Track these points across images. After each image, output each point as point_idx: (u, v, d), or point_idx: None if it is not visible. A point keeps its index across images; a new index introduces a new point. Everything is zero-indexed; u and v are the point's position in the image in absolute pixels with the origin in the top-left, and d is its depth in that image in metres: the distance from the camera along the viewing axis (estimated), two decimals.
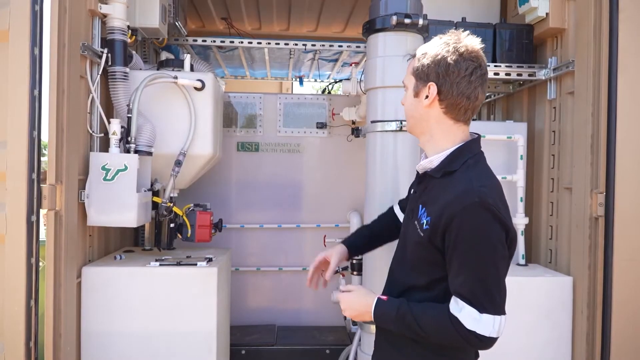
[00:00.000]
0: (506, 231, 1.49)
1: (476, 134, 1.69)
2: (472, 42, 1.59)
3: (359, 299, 1.71)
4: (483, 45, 1.62)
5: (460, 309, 1.48)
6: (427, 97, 1.62)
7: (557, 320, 2.91)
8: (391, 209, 2.19)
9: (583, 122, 2.88)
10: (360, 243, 2.18)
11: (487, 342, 1.49)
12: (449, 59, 1.56)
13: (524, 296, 2.91)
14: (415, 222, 1.63)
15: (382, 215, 2.24)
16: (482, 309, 1.45)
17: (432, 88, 1.60)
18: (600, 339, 2.72)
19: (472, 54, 1.57)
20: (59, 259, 2.48)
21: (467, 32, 1.63)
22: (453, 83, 1.57)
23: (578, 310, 2.88)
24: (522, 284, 2.93)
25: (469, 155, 1.60)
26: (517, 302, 2.82)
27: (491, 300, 1.47)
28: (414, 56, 1.69)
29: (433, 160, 1.63)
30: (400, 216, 2.10)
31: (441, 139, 1.64)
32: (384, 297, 1.66)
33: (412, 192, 1.82)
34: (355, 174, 4.12)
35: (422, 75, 1.62)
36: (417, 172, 1.76)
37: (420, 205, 1.63)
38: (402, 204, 2.12)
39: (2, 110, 2.39)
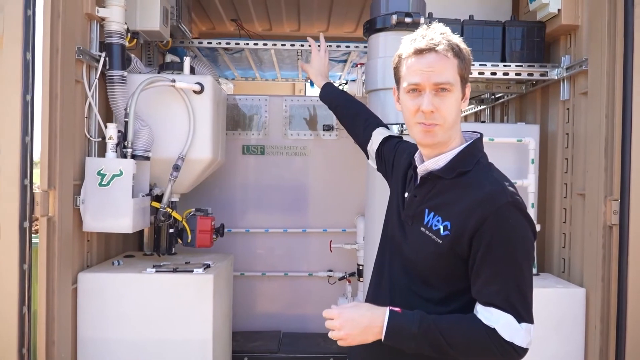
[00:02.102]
0: (534, 233, 1.40)
1: (477, 132, 1.55)
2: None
3: (361, 313, 1.42)
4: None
5: (496, 319, 1.34)
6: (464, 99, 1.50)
7: (568, 334, 2.77)
8: (372, 125, 2.12)
9: (596, 124, 2.74)
10: (334, 93, 2.43)
11: (523, 353, 1.37)
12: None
13: (535, 307, 2.77)
14: (424, 230, 1.47)
15: (367, 116, 2.21)
16: (520, 319, 1.35)
17: (469, 89, 1.51)
18: (615, 355, 2.57)
19: None
20: (51, 265, 2.46)
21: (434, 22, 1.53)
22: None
23: (591, 324, 2.73)
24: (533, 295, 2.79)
25: (479, 154, 1.49)
26: None
27: (527, 309, 1.37)
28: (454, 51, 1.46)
29: (439, 160, 1.48)
30: (373, 144, 2.02)
31: (455, 140, 1.50)
32: (397, 309, 1.42)
33: (406, 196, 1.59)
34: (362, 178, 3.99)
35: (466, 76, 1.48)
36: (410, 176, 1.61)
37: (427, 210, 1.48)
38: (384, 143, 1.97)
39: None
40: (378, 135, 2.03)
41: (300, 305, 4.16)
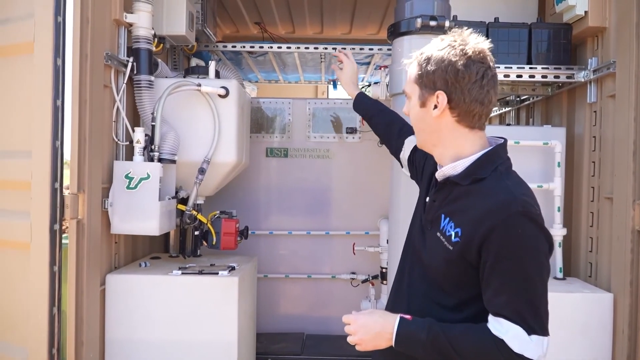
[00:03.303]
0: (550, 244, 1.38)
1: (502, 138, 1.53)
2: (479, 42, 1.45)
3: (373, 319, 1.48)
4: (491, 45, 1.47)
5: (505, 330, 1.33)
6: (435, 107, 1.47)
7: (595, 339, 2.73)
8: (406, 133, 2.11)
9: (625, 127, 2.69)
10: (368, 103, 2.43)
11: None
12: (458, 63, 1.41)
13: (561, 312, 2.74)
14: (439, 235, 1.47)
15: (400, 124, 2.19)
16: (530, 331, 1.32)
17: (442, 97, 1.44)
18: None
19: (481, 55, 1.43)
20: (81, 266, 2.50)
21: (470, 30, 1.48)
22: (464, 89, 1.42)
23: (619, 330, 2.69)
24: (558, 299, 2.76)
25: (499, 161, 1.47)
26: (553, 317, 2.64)
27: (539, 321, 1.34)
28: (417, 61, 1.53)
29: (457, 166, 1.47)
30: (405, 152, 2.04)
31: (460, 147, 1.48)
32: (407, 316, 1.45)
33: (427, 200, 1.61)
34: (386, 181, 3.97)
35: (428, 83, 1.46)
36: (433, 181, 1.62)
37: (443, 216, 1.48)
38: (417, 156, 1.96)
39: (27, 121, 2.44)
40: (409, 143, 2.03)
41: (323, 307, 4.18)
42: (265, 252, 4.12)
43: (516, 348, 1.32)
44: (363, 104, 2.45)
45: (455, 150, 1.49)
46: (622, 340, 2.65)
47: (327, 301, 4.17)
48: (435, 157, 1.57)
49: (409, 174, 2.03)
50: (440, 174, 1.52)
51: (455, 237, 1.41)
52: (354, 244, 3.87)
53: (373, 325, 1.46)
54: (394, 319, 1.45)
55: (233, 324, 2.77)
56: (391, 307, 1.63)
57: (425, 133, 1.54)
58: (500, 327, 1.35)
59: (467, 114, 1.46)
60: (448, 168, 1.49)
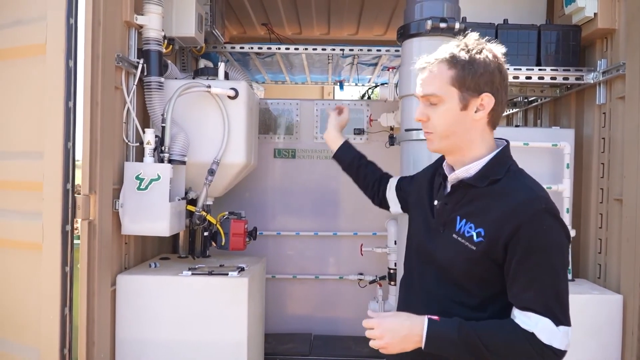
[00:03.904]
0: (568, 239, 1.44)
1: (503, 139, 1.59)
2: (496, 46, 1.53)
3: (400, 321, 1.46)
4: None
5: (534, 323, 1.37)
6: (477, 110, 1.49)
7: (604, 341, 2.74)
8: (388, 177, 2.13)
9: (635, 128, 2.70)
10: (350, 156, 2.23)
11: (562, 355, 1.40)
12: (502, 67, 1.50)
13: (570, 313, 2.74)
14: (456, 236, 1.50)
15: (381, 170, 2.18)
16: (557, 322, 1.37)
17: (488, 99, 1.47)
18: None
19: (504, 59, 1.52)
20: (92, 267, 2.52)
21: (477, 33, 1.55)
22: (504, 92, 1.51)
23: (628, 331, 2.69)
24: None
25: (509, 161, 1.52)
26: None
27: (565, 312, 1.40)
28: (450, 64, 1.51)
29: (470, 169, 1.50)
30: (390, 190, 2.03)
31: (479, 149, 1.52)
32: (435, 317, 1.45)
33: (436, 204, 1.62)
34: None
35: (473, 86, 1.46)
36: (437, 185, 1.64)
37: (459, 218, 1.51)
38: (401, 183, 2.01)
39: (39, 122, 2.45)
40: (392, 182, 2.09)
41: (330, 308, 4.18)
42: (273, 252, 4.13)
43: (545, 340, 1.36)
44: (350, 152, 2.25)
45: (475, 152, 1.52)
46: (632, 341, 2.65)
47: (335, 302, 4.18)
48: (451, 161, 1.58)
49: (400, 209, 2.02)
50: (453, 177, 1.55)
51: (477, 237, 1.44)
52: (362, 244, 3.87)
53: (400, 328, 1.44)
54: (422, 321, 1.44)
55: (242, 325, 2.78)
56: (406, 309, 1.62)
57: (457, 136, 1.52)
58: (528, 320, 1.38)
59: (498, 116, 1.54)
60: (461, 171, 1.52)
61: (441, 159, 1.71)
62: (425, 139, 2.67)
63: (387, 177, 2.14)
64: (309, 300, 4.20)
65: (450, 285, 1.53)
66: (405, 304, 1.67)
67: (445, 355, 1.45)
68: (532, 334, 1.37)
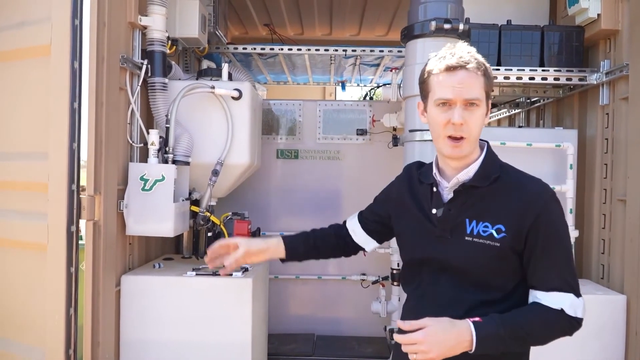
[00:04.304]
0: None
1: (482, 140, 1.63)
2: None
3: (445, 332, 1.43)
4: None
5: (562, 301, 1.47)
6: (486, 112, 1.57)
7: (608, 341, 2.75)
8: (343, 225, 2.00)
9: (638, 129, 2.71)
10: (301, 247, 1.98)
11: (582, 322, 1.51)
12: None
13: None
14: (469, 238, 1.52)
15: (332, 226, 2.04)
16: (577, 294, 1.48)
17: (489, 103, 1.58)
18: None
19: None
20: (97, 268, 2.52)
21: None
22: None
23: (632, 331, 2.70)
24: None
25: (496, 157, 1.60)
26: None
27: (578, 285, 1.51)
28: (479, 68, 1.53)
29: (469, 171, 1.55)
30: (357, 234, 1.92)
31: (476, 151, 1.59)
32: (476, 318, 1.45)
33: (434, 212, 1.60)
34: None
35: (490, 92, 1.56)
36: (430, 195, 1.63)
37: (467, 220, 1.53)
38: (365, 218, 1.92)
39: (44, 123, 2.45)
40: (352, 225, 1.97)
41: (333, 308, 4.19)
42: None
43: (572, 313, 1.47)
44: (295, 242, 2.02)
45: (474, 154, 1.57)
46: (636, 342, 2.66)
47: (337, 302, 4.19)
48: (456, 165, 1.57)
49: (376, 245, 1.94)
50: (454, 182, 1.57)
51: (499, 234, 1.50)
52: None
53: (447, 338, 1.42)
54: (467, 326, 1.44)
55: (247, 325, 2.78)
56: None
57: (476, 140, 1.57)
58: (556, 299, 1.47)
59: None
60: (462, 174, 1.56)
61: (409, 172, 1.76)
62: (428, 140, 2.70)
63: (341, 227, 2.01)
64: (311, 300, 4.20)
65: (470, 287, 1.55)
66: (423, 314, 1.59)
67: (492, 352, 1.47)
68: (561, 310, 1.46)
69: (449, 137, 1.51)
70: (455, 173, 1.57)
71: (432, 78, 1.54)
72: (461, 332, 1.43)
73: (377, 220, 1.91)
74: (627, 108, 2.86)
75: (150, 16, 2.88)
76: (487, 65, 1.55)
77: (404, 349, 1.45)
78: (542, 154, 3.12)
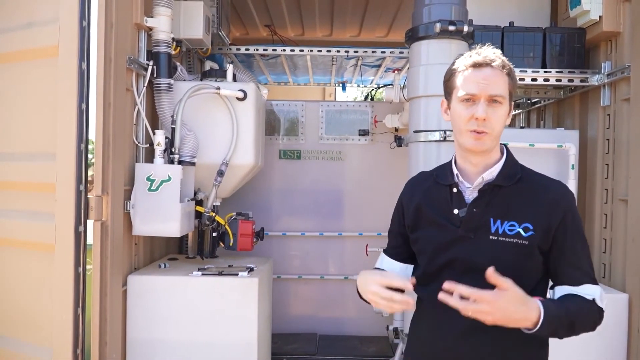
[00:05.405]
0: None
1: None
2: None
3: (516, 306, 1.39)
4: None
5: (593, 292, 1.50)
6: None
7: (610, 339, 2.77)
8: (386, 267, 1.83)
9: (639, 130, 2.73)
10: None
11: (603, 316, 1.55)
12: None
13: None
14: (494, 237, 1.52)
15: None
16: (598, 285, 1.54)
17: (512, 103, 1.61)
18: None
19: None
20: (104, 268, 2.53)
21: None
22: None
23: (634, 330, 2.73)
24: None
25: (516, 160, 1.62)
26: None
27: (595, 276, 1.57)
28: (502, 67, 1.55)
29: (493, 171, 1.57)
30: (397, 271, 1.77)
31: (497, 150, 1.61)
32: (541, 298, 1.45)
33: (457, 213, 1.58)
34: (398, 182, 3.99)
35: (513, 93, 1.58)
36: (451, 195, 1.62)
37: (492, 220, 1.54)
38: (393, 249, 1.81)
39: (52, 124, 2.46)
40: (385, 266, 1.83)
41: (335, 308, 4.21)
42: (279, 253, 4.16)
43: (600, 303, 1.51)
44: None
45: (496, 154, 1.60)
46: (638, 340, 2.69)
47: (340, 302, 4.21)
48: (477, 162, 1.58)
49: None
50: (478, 182, 1.57)
51: (527, 232, 1.52)
52: (367, 245, 3.90)
53: (513, 312, 1.38)
54: (537, 305, 1.40)
55: (253, 325, 2.80)
56: (441, 327, 1.58)
57: (498, 137, 1.58)
58: (587, 291, 1.51)
59: None
60: (487, 174, 1.57)
61: (417, 181, 1.76)
62: (432, 141, 2.73)
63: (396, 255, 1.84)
64: (314, 300, 4.22)
65: (493, 287, 1.46)
66: (444, 317, 1.57)
67: (543, 335, 1.48)
68: (594, 300, 1.50)
69: (472, 130, 1.53)
70: (475, 171, 1.59)
71: (457, 75, 1.58)
72: (530, 309, 1.40)
73: (406, 241, 1.79)
74: (628, 109, 2.89)
75: (156, 17, 2.89)
76: (512, 66, 1.58)
77: (460, 305, 1.38)
78: (544, 154, 3.15)
